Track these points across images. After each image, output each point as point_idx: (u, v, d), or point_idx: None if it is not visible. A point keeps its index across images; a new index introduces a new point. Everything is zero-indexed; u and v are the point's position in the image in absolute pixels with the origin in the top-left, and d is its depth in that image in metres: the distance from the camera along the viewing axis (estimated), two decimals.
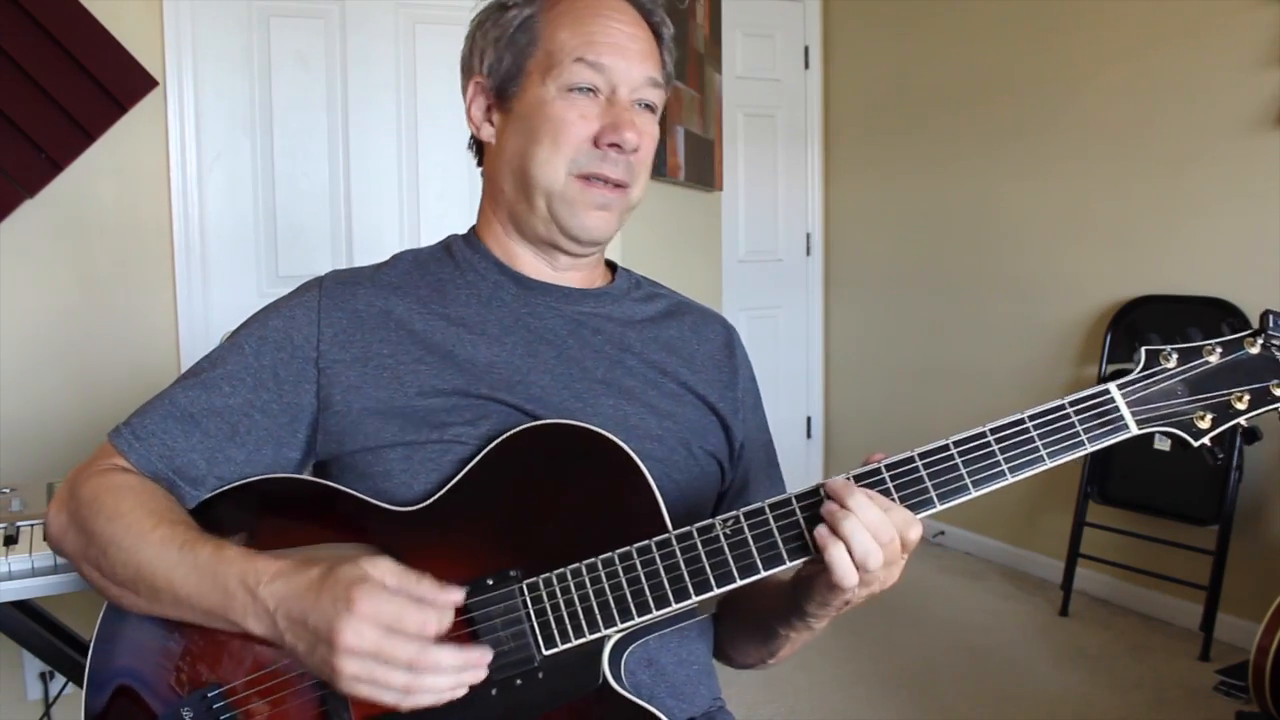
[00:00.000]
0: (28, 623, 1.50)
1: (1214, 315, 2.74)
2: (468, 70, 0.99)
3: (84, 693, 0.88)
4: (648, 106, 0.95)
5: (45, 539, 0.91)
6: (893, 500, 0.76)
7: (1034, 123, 3.31)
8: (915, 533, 0.76)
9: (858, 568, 0.73)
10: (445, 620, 0.74)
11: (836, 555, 0.73)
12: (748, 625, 0.96)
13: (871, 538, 0.73)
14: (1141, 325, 2.96)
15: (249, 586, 0.77)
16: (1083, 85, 3.14)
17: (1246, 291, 2.70)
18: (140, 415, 0.91)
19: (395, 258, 1.00)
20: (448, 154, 2.84)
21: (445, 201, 2.87)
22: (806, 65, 4.20)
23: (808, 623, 0.84)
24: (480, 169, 1.04)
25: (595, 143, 0.91)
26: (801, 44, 4.18)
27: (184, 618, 0.82)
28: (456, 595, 0.76)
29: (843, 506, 0.74)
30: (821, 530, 0.74)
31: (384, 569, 0.74)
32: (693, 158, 3.54)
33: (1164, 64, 2.89)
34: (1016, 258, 3.42)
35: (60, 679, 2.13)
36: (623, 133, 0.90)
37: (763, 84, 4.09)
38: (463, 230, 1.05)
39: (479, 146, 1.03)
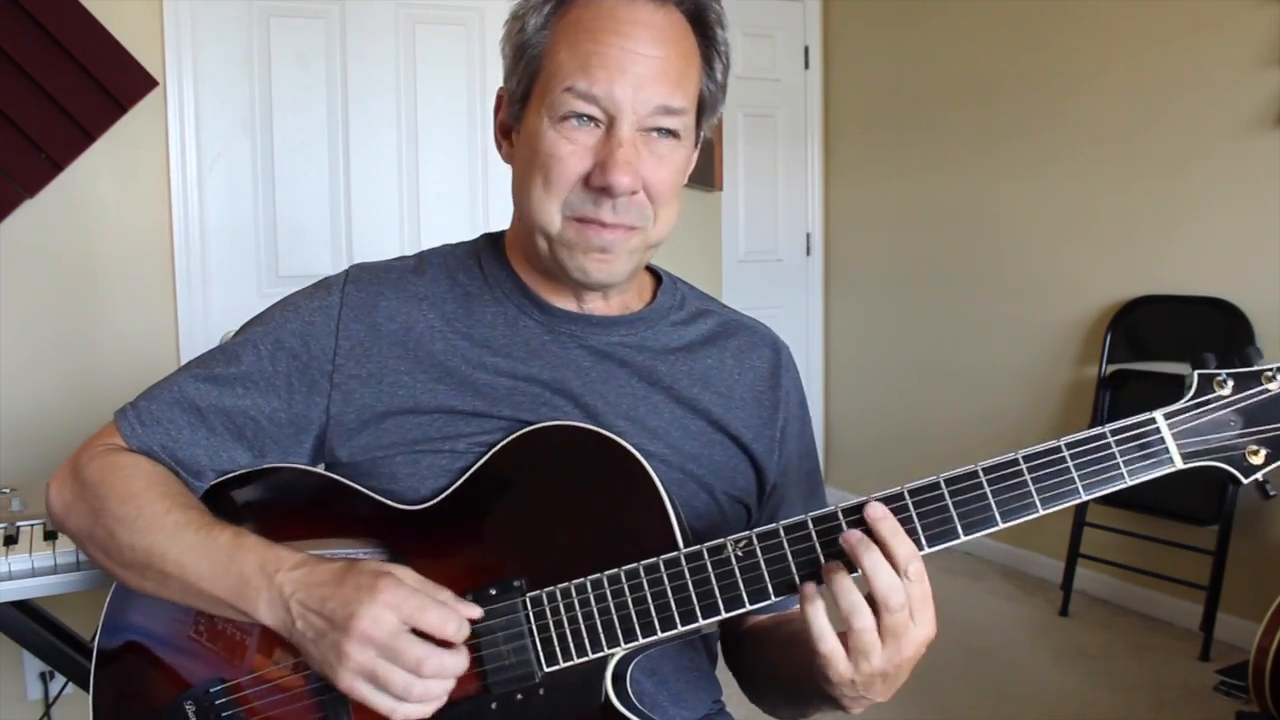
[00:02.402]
0: (28, 623, 1.49)
1: (1214, 315, 2.74)
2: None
3: (90, 683, 0.88)
4: (670, 133, 0.83)
5: (47, 514, 0.90)
6: (914, 526, 0.73)
7: (1034, 122, 3.31)
8: (916, 564, 0.71)
9: (880, 609, 0.69)
10: (463, 630, 0.74)
11: (839, 582, 0.70)
12: (781, 687, 0.93)
13: (893, 574, 0.69)
14: (1141, 325, 2.96)
15: (268, 572, 0.76)
16: (1083, 85, 3.14)
17: (1246, 291, 2.70)
18: (148, 399, 0.89)
19: (426, 261, 0.95)
20: (448, 154, 2.84)
21: (445, 201, 2.87)
22: (806, 65, 4.19)
23: (840, 705, 0.77)
24: None
25: (587, 183, 0.81)
26: (801, 44, 4.18)
27: (190, 603, 0.81)
28: (475, 610, 0.76)
29: (872, 534, 0.70)
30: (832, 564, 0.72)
31: (406, 572, 0.75)
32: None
33: (1164, 64, 2.89)
34: (1016, 257, 3.42)
35: (60, 679, 2.13)
36: (609, 176, 0.79)
37: (763, 84, 4.09)
38: (466, 231, 1.02)
39: None
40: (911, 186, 3.85)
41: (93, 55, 2.34)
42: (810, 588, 0.72)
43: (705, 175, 3.69)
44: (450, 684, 0.74)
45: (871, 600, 0.70)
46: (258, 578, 0.77)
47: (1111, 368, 3.02)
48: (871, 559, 0.70)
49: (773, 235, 4.21)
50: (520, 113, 0.87)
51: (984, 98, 3.49)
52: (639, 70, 0.80)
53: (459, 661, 0.74)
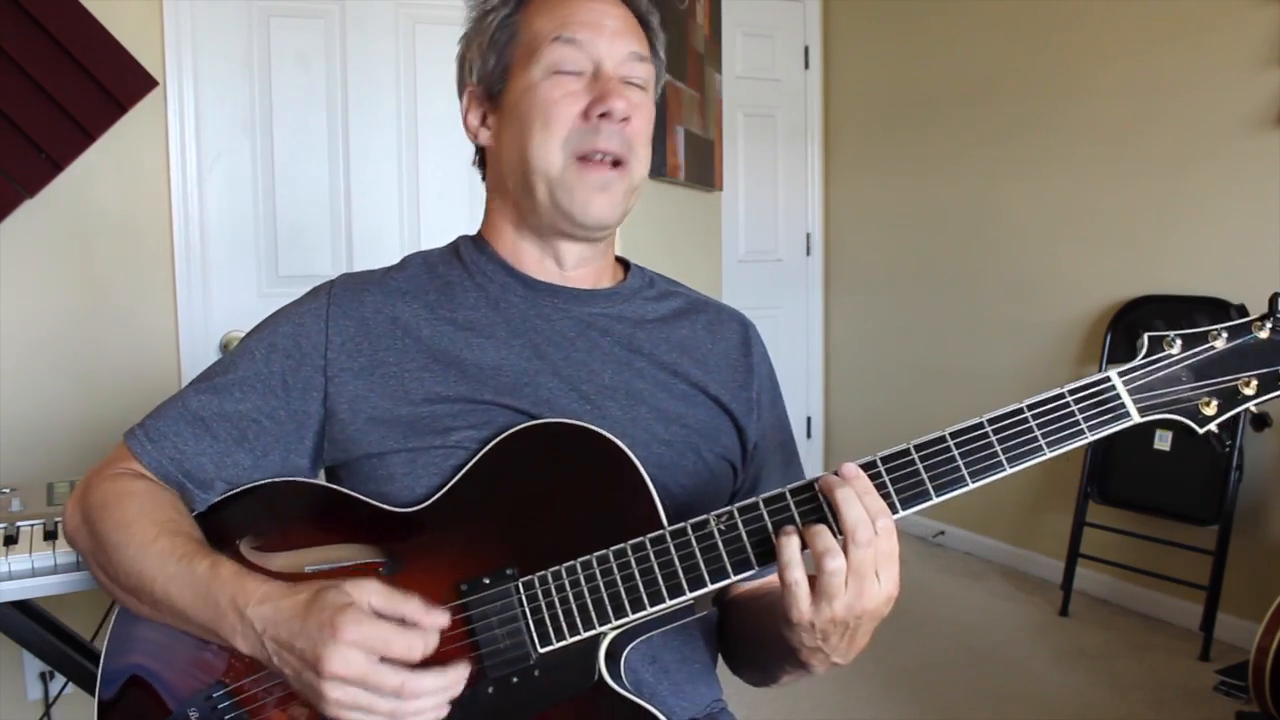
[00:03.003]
0: (28, 623, 1.49)
1: (1214, 315, 2.74)
2: (461, 87, 1.01)
3: (96, 690, 0.89)
4: (639, 86, 0.94)
5: (63, 534, 0.93)
6: (889, 491, 0.76)
7: (1034, 122, 3.31)
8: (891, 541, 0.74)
9: (847, 541, 0.72)
10: (431, 642, 0.74)
11: (819, 533, 0.73)
12: (749, 650, 0.96)
13: (863, 509, 0.72)
14: (1141, 325, 2.96)
15: (238, 607, 0.78)
16: (1083, 85, 3.14)
17: (1246, 291, 2.70)
18: (154, 417, 0.92)
19: (405, 260, 1.00)
20: (448, 154, 2.84)
21: (445, 201, 2.87)
22: (806, 65, 4.20)
23: (797, 655, 0.80)
24: (484, 181, 1.04)
25: (585, 118, 0.90)
26: (801, 44, 4.18)
27: (182, 628, 0.83)
28: (442, 618, 0.76)
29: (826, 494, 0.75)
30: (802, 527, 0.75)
31: (369, 591, 0.75)
32: (693, 158, 3.54)
33: (1164, 64, 2.89)
34: (1016, 257, 3.42)
35: (60, 679, 2.13)
36: (609, 101, 0.89)
37: (763, 84, 4.10)
38: (467, 231, 1.05)
39: (482, 159, 1.03)
40: (911, 186, 3.85)
41: (93, 55, 2.34)
42: (790, 527, 0.75)
43: (705, 175, 3.69)
44: (442, 699, 0.75)
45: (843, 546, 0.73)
46: (230, 613, 0.78)
47: (1112, 368, 3.01)
48: (844, 493, 0.73)
49: (773, 235, 4.21)
50: (502, 87, 0.95)
51: (984, 97, 3.50)
52: (610, 25, 0.93)
53: (438, 680, 0.74)
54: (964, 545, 3.67)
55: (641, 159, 0.94)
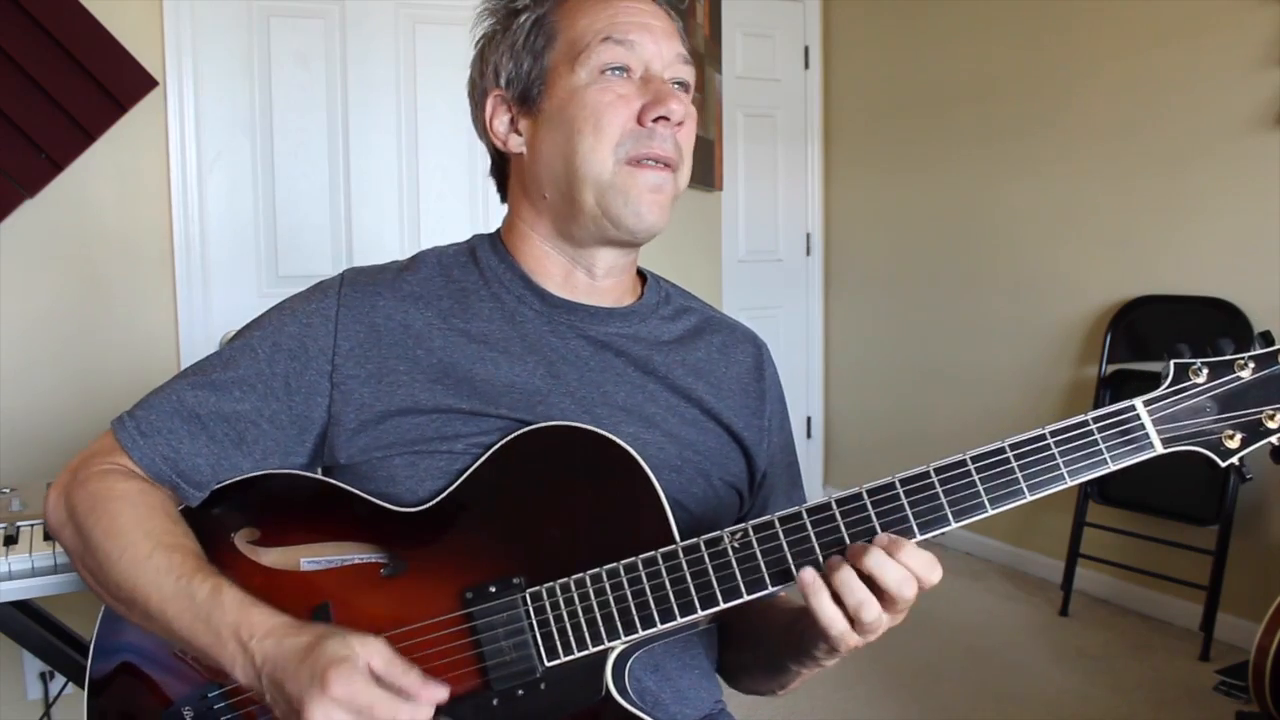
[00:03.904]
0: (28, 623, 1.49)
1: (1214, 315, 2.74)
2: (481, 92, 0.95)
3: (86, 688, 0.88)
4: (682, 86, 0.91)
5: (46, 525, 0.90)
6: (906, 515, 0.75)
7: (1034, 122, 3.31)
8: (936, 575, 0.74)
9: (894, 599, 0.72)
10: (421, 716, 0.72)
11: (819, 603, 0.73)
12: (758, 657, 0.95)
13: (900, 568, 0.72)
14: (1141, 325, 2.96)
15: (241, 639, 0.76)
16: (1082, 85, 3.14)
17: (1246, 291, 2.70)
18: (145, 408, 0.88)
19: (418, 259, 0.96)
20: (448, 154, 2.84)
21: (445, 201, 2.87)
22: (806, 65, 4.20)
23: (816, 660, 0.82)
24: (499, 191, 1.01)
25: (639, 122, 0.87)
26: (801, 44, 4.18)
27: (173, 642, 0.81)
28: (440, 693, 0.74)
29: (855, 565, 0.72)
30: (808, 577, 0.73)
31: (372, 651, 0.72)
32: (693, 158, 3.54)
33: (1164, 64, 2.89)
34: (1016, 257, 3.42)
35: (60, 679, 2.13)
36: (668, 104, 0.86)
37: (763, 84, 4.09)
38: (466, 231, 1.02)
39: (499, 171, 1.00)
40: (911, 186, 3.85)
41: (93, 55, 2.35)
42: (809, 574, 0.73)
43: (705, 175, 3.69)
44: None
45: (877, 589, 0.72)
46: (231, 642, 0.76)
47: (1111, 368, 3.02)
48: (875, 559, 0.72)
49: (773, 235, 4.21)
50: (538, 91, 0.91)
51: (984, 98, 3.49)
52: (658, 25, 0.90)
53: None
54: (964, 545, 3.67)
55: (688, 167, 0.92)
